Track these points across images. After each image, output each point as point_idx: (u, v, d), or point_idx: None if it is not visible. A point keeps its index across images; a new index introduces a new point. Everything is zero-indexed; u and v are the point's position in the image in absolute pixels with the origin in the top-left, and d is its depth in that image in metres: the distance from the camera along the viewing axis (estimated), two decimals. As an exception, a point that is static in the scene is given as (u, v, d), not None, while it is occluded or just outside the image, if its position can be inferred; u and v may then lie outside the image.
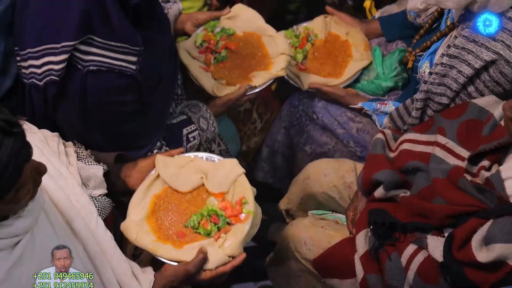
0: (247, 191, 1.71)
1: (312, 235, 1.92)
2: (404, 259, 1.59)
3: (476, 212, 1.51)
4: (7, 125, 1.15)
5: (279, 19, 2.98)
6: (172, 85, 1.98)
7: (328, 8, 2.46)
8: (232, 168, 1.74)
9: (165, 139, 1.96)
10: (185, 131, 2.00)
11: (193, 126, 2.01)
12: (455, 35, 1.79)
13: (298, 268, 1.97)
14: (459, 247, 1.47)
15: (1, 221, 1.24)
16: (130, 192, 1.76)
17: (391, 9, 2.49)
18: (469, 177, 1.53)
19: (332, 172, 2.08)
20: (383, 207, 1.69)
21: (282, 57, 2.17)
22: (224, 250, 1.62)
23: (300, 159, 2.47)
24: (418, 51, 2.07)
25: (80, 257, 1.42)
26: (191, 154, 1.83)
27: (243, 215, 1.68)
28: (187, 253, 1.62)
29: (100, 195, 1.65)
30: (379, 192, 1.71)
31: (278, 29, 2.45)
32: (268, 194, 2.59)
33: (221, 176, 1.74)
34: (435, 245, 1.54)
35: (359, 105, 2.18)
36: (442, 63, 1.76)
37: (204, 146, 2.10)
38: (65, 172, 1.56)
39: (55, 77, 1.63)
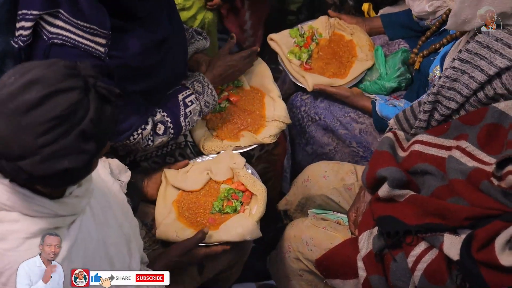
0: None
1: (314, 235, 1.92)
2: (411, 260, 1.59)
3: (499, 215, 1.50)
4: (108, 93, 1.19)
5: (280, 20, 3.00)
6: (162, 86, 1.96)
7: (330, 12, 2.46)
8: (230, 157, 2.03)
9: (162, 107, 1.95)
10: (180, 97, 1.97)
11: (188, 91, 1.99)
12: (467, 40, 1.77)
13: (299, 268, 1.98)
14: (479, 247, 1.47)
15: (59, 198, 1.27)
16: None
17: (392, 10, 2.49)
18: (495, 181, 1.52)
19: (332, 174, 2.07)
20: (389, 212, 1.67)
21: (275, 123, 2.17)
22: (253, 217, 1.89)
23: (301, 159, 2.47)
24: (426, 52, 2.07)
25: (116, 241, 1.46)
26: (191, 161, 2.07)
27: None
28: (225, 231, 1.86)
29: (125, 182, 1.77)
30: (383, 190, 1.70)
31: (279, 29, 2.46)
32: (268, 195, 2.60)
33: (224, 166, 2.01)
34: (452, 244, 1.53)
35: (374, 95, 2.17)
36: (453, 67, 1.73)
37: (207, 114, 2.07)
38: None
39: (21, 43, 1.67)
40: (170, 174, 2.00)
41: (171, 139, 2.01)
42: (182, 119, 1.97)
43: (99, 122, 1.17)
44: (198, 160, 2.08)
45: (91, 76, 1.19)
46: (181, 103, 1.97)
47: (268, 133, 2.15)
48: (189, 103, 1.98)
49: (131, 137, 1.88)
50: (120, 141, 1.88)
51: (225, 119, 2.18)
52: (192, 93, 1.99)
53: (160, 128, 1.94)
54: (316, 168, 2.13)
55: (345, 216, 1.98)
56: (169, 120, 1.95)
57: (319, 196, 2.08)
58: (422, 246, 1.60)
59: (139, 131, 1.89)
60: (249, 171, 2.01)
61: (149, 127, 1.91)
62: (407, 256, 1.60)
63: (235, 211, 1.93)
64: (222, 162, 2.02)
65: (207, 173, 2.01)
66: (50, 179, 1.17)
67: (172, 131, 1.96)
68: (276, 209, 2.32)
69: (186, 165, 2.05)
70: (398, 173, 1.69)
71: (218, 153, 2.10)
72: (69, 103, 1.13)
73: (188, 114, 1.98)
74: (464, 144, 1.68)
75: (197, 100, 1.99)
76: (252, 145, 2.14)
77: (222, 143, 2.13)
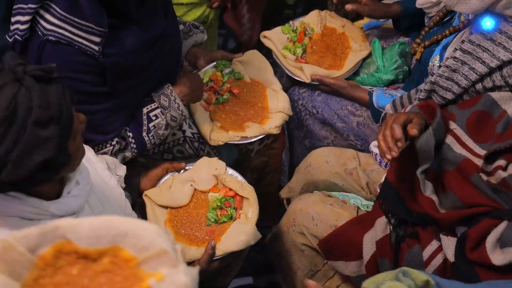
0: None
1: (320, 211, 1.91)
2: (426, 254, 1.60)
3: (489, 212, 1.49)
4: (44, 73, 1.15)
5: (277, 14, 2.99)
6: (153, 83, 1.93)
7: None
8: (209, 164, 1.98)
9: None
10: (145, 110, 1.91)
11: (154, 105, 1.92)
12: (470, 31, 1.76)
13: (302, 242, 1.96)
14: (472, 248, 1.46)
15: (56, 199, 1.26)
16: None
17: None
18: (484, 177, 1.51)
19: (334, 159, 2.08)
20: (402, 190, 1.66)
21: (279, 114, 2.17)
22: (251, 221, 1.86)
23: (299, 153, 2.47)
24: (427, 43, 2.07)
25: None
26: (169, 174, 1.99)
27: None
28: (228, 241, 1.83)
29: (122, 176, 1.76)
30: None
31: (276, 23, 2.46)
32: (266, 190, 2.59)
33: (205, 174, 1.96)
34: (447, 245, 1.55)
35: (373, 88, 2.18)
36: (454, 57, 1.72)
37: (175, 127, 2.02)
38: (92, 157, 1.58)
39: (18, 37, 1.65)
40: (152, 194, 1.92)
41: (136, 155, 1.96)
42: (145, 133, 1.91)
43: (48, 105, 1.14)
44: (176, 173, 2.01)
45: (19, 64, 1.14)
46: (145, 117, 1.91)
47: (273, 124, 2.15)
48: (154, 118, 1.92)
49: (108, 143, 1.85)
50: (98, 142, 1.83)
51: (228, 110, 2.17)
52: (157, 107, 1.93)
53: (121, 143, 1.90)
54: (319, 153, 2.13)
55: (352, 195, 2.00)
56: (131, 135, 1.90)
57: (322, 181, 2.08)
58: (437, 242, 1.60)
59: (114, 141, 1.86)
60: (230, 172, 1.99)
61: (118, 144, 1.88)
62: (423, 249, 1.61)
63: (231, 218, 1.89)
64: (202, 170, 1.97)
65: (191, 185, 1.95)
66: (33, 178, 1.15)
67: (134, 146, 1.91)
68: (274, 203, 2.32)
69: (183, 167, 2.00)
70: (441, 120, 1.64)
71: (198, 159, 2.04)
72: (7, 102, 1.10)
73: (152, 128, 1.92)
74: (452, 125, 1.66)
75: (163, 115, 1.93)
76: (259, 136, 2.13)
77: (228, 134, 2.12)
